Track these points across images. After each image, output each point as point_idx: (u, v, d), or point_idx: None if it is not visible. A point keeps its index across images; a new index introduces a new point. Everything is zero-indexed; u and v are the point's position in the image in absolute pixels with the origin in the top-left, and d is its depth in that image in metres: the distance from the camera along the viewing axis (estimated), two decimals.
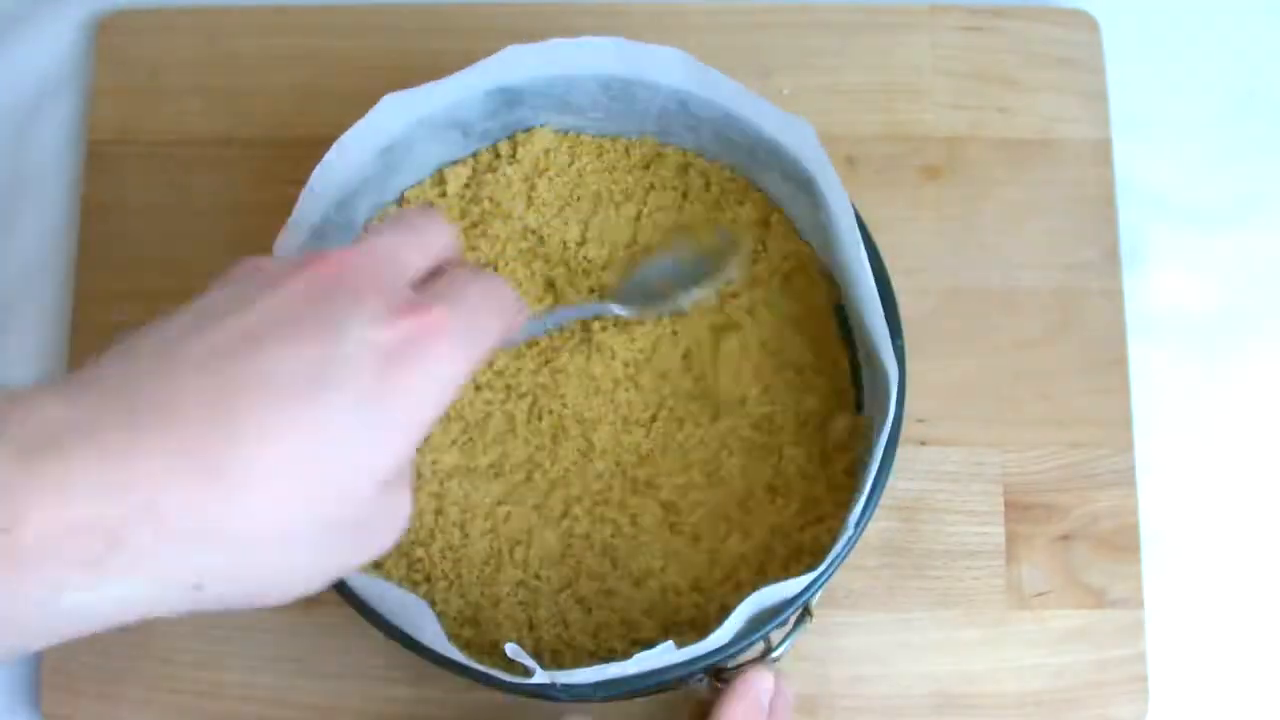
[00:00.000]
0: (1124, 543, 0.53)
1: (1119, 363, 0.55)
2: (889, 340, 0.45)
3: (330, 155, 0.46)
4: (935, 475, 0.53)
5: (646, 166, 0.52)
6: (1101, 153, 0.57)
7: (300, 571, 0.32)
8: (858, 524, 0.44)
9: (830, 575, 0.44)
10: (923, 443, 0.53)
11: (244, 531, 0.30)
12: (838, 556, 0.44)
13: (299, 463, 0.30)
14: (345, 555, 0.33)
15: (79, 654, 0.51)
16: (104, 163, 0.57)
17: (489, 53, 0.47)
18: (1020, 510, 0.53)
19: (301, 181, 0.46)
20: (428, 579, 0.48)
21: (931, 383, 0.54)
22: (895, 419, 0.44)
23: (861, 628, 0.52)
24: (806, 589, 0.43)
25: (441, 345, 0.33)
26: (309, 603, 0.51)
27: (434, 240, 0.36)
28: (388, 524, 0.33)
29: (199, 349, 0.31)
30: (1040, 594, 0.52)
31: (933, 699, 0.51)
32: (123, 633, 0.50)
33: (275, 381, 0.30)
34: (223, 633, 0.51)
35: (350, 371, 0.31)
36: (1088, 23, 0.58)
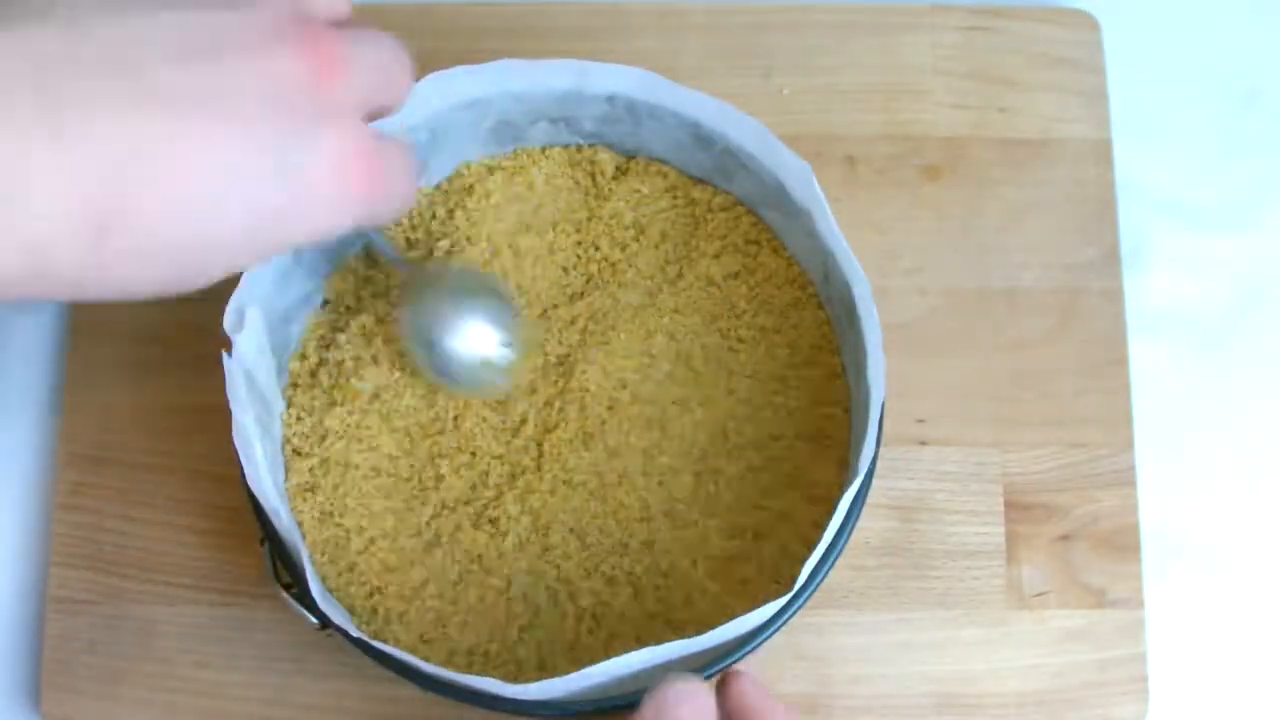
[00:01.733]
0: (1124, 543, 0.53)
1: (1119, 363, 0.55)
2: (880, 366, 0.45)
3: None
4: (935, 475, 0.53)
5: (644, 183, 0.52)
6: (1101, 153, 0.57)
7: (223, 253, 0.35)
8: (825, 558, 0.44)
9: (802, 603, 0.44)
10: (923, 443, 0.53)
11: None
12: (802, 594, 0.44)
13: (237, 163, 0.33)
14: (270, 238, 0.36)
15: (79, 654, 0.51)
16: None
17: (490, 53, 0.47)
18: (1020, 510, 0.53)
19: None
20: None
21: (931, 383, 0.54)
22: (868, 474, 0.44)
23: (861, 628, 0.52)
24: (771, 620, 0.44)
25: (348, 76, 0.36)
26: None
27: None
28: (311, 208, 0.36)
29: (168, 40, 0.33)
30: (1040, 594, 0.52)
31: (933, 699, 0.51)
32: (123, 633, 0.51)
33: (228, 97, 0.33)
34: (223, 633, 0.51)
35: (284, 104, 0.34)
36: (1088, 23, 0.58)
